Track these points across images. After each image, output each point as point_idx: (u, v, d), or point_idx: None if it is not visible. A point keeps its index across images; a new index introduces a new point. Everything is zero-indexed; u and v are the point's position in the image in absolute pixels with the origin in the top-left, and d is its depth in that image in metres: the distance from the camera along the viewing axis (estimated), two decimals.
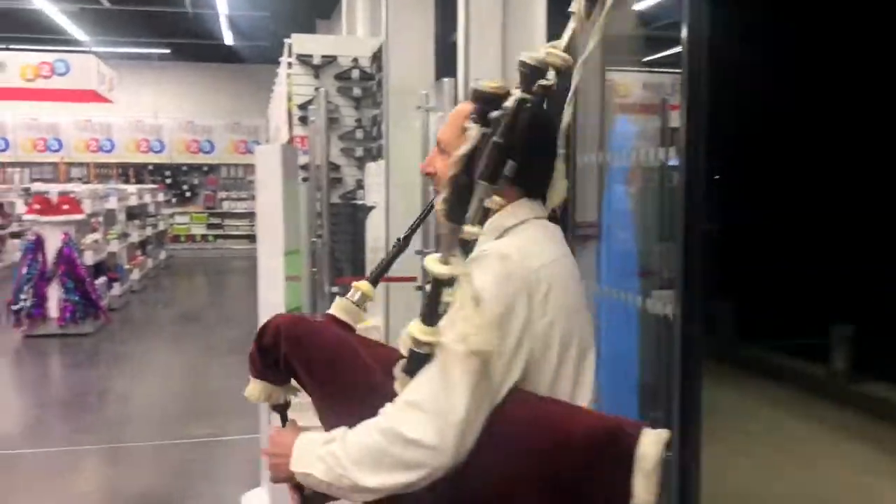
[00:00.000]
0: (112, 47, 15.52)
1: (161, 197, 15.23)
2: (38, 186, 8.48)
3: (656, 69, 4.39)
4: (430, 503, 1.26)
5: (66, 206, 8.13)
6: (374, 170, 7.26)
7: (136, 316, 9.99)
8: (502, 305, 1.25)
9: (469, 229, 1.24)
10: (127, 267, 10.94)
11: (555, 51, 1.30)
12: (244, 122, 17.79)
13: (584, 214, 3.26)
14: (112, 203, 10.12)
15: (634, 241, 3.08)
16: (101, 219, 9.48)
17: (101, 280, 9.07)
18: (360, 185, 8.47)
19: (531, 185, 1.42)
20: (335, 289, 5.29)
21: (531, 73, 1.29)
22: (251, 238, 17.76)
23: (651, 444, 1.18)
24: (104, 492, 4.39)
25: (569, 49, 1.31)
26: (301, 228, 4.75)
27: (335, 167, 8.39)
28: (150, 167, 17.60)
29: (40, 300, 8.11)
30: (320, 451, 1.29)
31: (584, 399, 1.33)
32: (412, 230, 1.56)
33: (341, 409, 1.39)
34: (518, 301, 1.26)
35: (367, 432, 1.25)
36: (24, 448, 5.01)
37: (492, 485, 1.22)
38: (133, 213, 12.36)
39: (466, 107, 1.44)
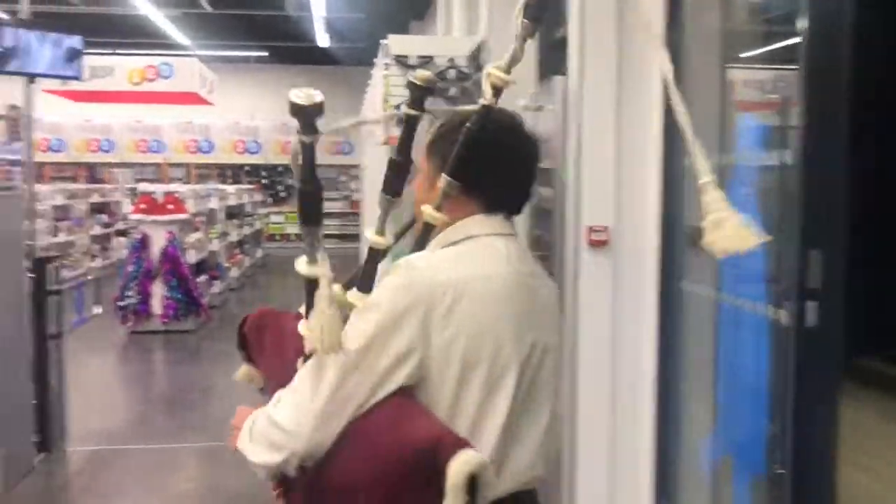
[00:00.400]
0: (212, 51, 15.97)
1: (257, 197, 15.58)
2: (144, 187, 8.75)
3: (772, 66, 4.16)
4: (301, 487, 1.31)
5: (170, 206, 8.35)
6: None
7: (236, 313, 10.21)
8: (390, 314, 1.26)
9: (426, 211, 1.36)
10: (226, 265, 11.20)
11: (496, 72, 1.33)
12: (336, 123, 17.99)
13: (698, 219, 3.14)
14: (213, 203, 10.38)
15: (762, 247, 2.91)
16: (203, 218, 9.73)
17: (203, 278, 9.31)
18: None
19: (488, 201, 1.41)
20: None
21: (495, 92, 1.34)
22: (343, 237, 17.98)
23: (460, 463, 1.15)
24: (206, 489, 4.46)
25: (509, 69, 1.34)
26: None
27: None
28: (247, 168, 18.04)
29: (145, 297, 8.36)
30: (245, 427, 1.38)
31: (492, 425, 1.30)
32: (396, 238, 1.52)
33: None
34: (412, 312, 1.26)
35: (262, 412, 1.34)
36: (131, 444, 5.14)
37: (338, 482, 1.26)
38: (232, 213, 12.66)
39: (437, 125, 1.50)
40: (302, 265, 1.33)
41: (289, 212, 18.39)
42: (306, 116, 1.29)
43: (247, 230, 13.85)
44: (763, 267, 2.72)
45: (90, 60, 10.90)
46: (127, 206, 10.01)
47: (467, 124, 1.35)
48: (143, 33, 13.68)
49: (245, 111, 17.85)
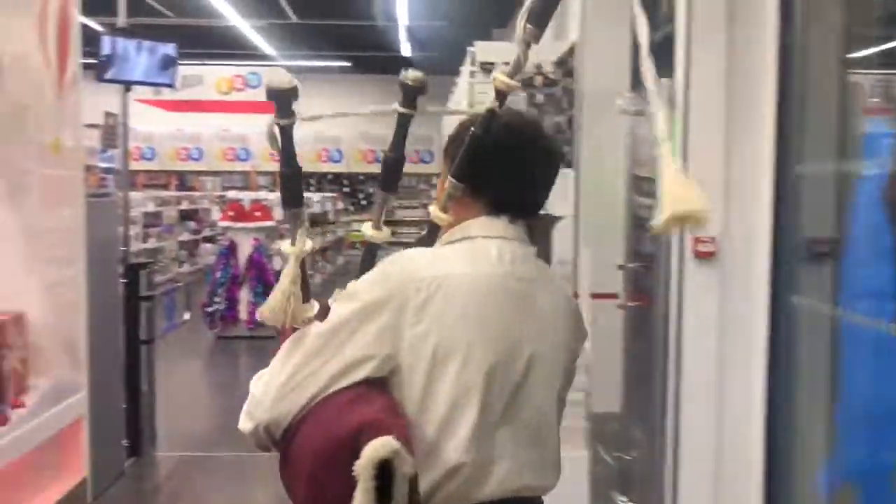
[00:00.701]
0: (296, 61, 16.20)
1: (339, 205, 15.72)
2: (232, 194, 8.90)
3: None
4: (280, 458, 1.34)
5: (257, 214, 8.45)
6: (560, 178, 6.97)
7: None
8: (364, 304, 1.29)
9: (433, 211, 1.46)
10: (310, 272, 11.24)
11: (502, 77, 1.42)
12: (417, 132, 18.01)
13: (814, 230, 2.91)
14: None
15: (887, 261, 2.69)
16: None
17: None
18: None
19: (492, 203, 1.41)
20: None
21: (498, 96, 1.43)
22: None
23: (372, 448, 1.14)
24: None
25: (513, 75, 1.41)
26: None
27: None
28: (329, 176, 18.24)
29: (232, 303, 8.47)
30: None
31: (465, 423, 1.29)
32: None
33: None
34: (385, 304, 1.29)
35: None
36: (218, 450, 5.15)
37: (293, 456, 1.29)
38: (315, 221, 12.78)
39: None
40: (287, 246, 1.41)
41: (369, 220, 18.44)
42: (282, 100, 1.37)
43: (330, 238, 13.97)
44: (888, 281, 2.50)
45: (181, 70, 11.18)
46: (215, 214, 10.18)
47: (472, 128, 1.40)
48: (231, 44, 13.96)
49: (328, 121, 17.99)
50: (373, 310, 1.29)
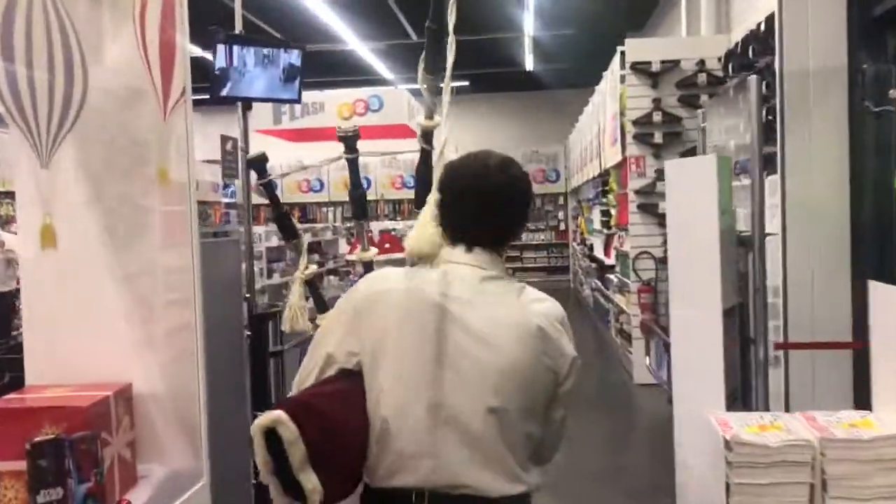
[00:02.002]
0: (414, 84, 15.64)
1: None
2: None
3: None
4: None
5: (387, 245, 7.70)
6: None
7: None
8: (336, 312, 1.71)
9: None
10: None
11: (420, 120, 2.06)
12: (542, 150, 17.17)
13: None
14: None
15: None
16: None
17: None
18: None
19: (449, 235, 1.70)
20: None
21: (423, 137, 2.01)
22: (548, 270, 17.09)
23: (260, 417, 1.48)
24: None
25: (431, 116, 2.01)
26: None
27: None
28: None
29: None
30: None
31: (387, 404, 1.57)
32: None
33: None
34: (347, 312, 1.67)
35: None
36: None
37: None
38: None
39: None
40: (359, 252, 2.08)
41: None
42: (350, 140, 2.39)
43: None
44: None
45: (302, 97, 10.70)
46: (342, 246, 9.50)
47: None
48: (347, 70, 13.49)
49: (448, 144, 17.35)
50: (340, 316, 1.68)
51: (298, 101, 3.95)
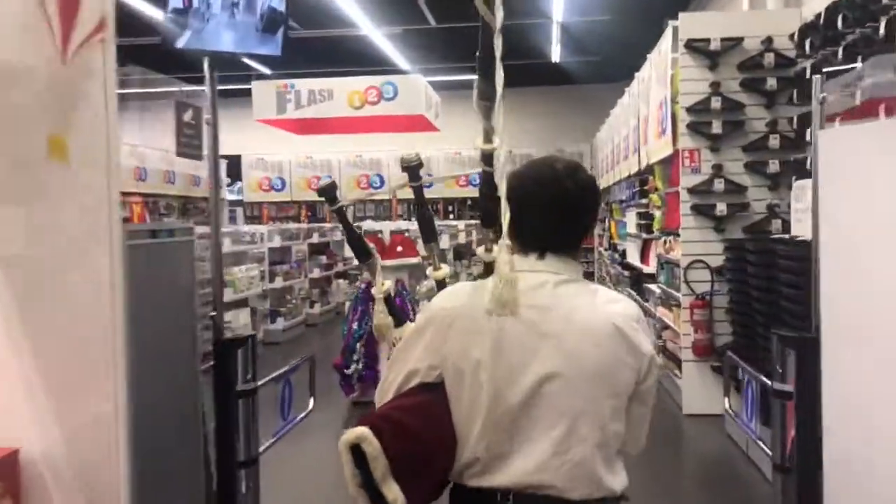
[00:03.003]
0: (431, 76, 14.65)
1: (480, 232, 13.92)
2: (369, 224, 7.21)
3: None
4: None
5: (399, 248, 6.73)
6: (802, 190, 5.06)
7: None
8: (415, 329, 1.72)
9: (479, 252, 1.97)
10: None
11: (478, 143, 1.85)
12: (567, 150, 16.12)
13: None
14: (443, 242, 8.74)
15: None
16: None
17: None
18: (773, 212, 6.15)
19: (520, 243, 1.69)
20: None
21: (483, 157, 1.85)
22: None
23: (346, 433, 1.53)
24: None
25: (489, 140, 1.82)
26: None
27: (735, 187, 6.17)
28: (469, 202, 16.51)
29: (371, 361, 6.77)
30: None
31: (475, 426, 1.60)
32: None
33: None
34: (425, 329, 1.69)
35: None
36: None
37: None
38: (459, 252, 11.07)
39: None
40: (430, 271, 2.20)
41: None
42: (413, 170, 2.39)
43: (475, 270, 12.22)
44: None
45: (308, 84, 9.74)
46: (349, 249, 8.51)
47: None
48: (362, 58, 12.52)
49: (466, 141, 16.37)
50: (419, 333, 1.70)
51: (278, 56, 2.95)
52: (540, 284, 1.63)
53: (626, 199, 10.18)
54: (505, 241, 1.54)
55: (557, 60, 13.96)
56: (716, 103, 6.10)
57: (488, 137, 1.78)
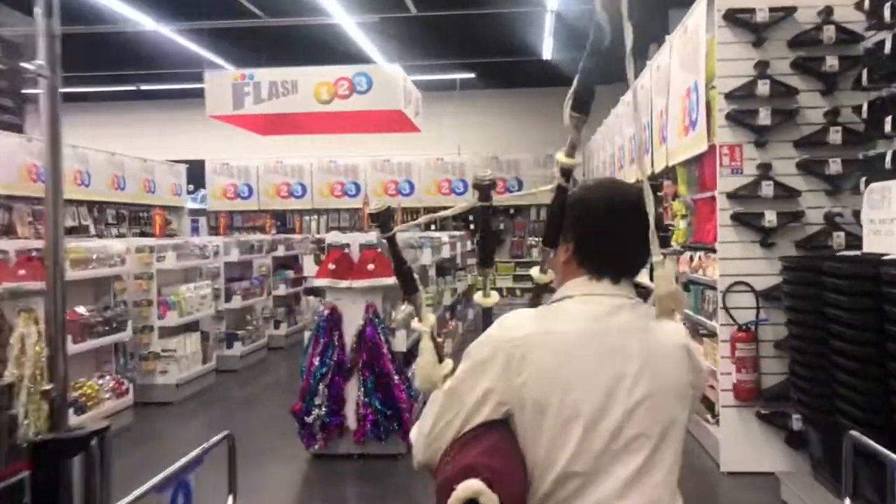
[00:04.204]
0: (411, 75, 13.47)
1: (468, 246, 12.71)
2: (333, 236, 5.94)
3: None
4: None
5: (371, 266, 5.48)
6: (882, 195, 3.92)
7: None
8: (474, 363, 1.54)
9: (533, 273, 1.79)
10: (440, 339, 8.25)
11: (563, 158, 1.67)
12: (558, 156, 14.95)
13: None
14: (425, 257, 7.51)
15: None
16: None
17: (415, 368, 6.33)
18: (833, 223, 4.97)
19: (592, 268, 1.59)
20: None
21: (562, 173, 1.67)
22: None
23: (460, 489, 1.40)
24: None
25: (572, 154, 1.68)
26: None
27: (786, 192, 4.99)
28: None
29: (337, 404, 5.52)
30: None
31: (561, 458, 1.48)
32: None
33: None
34: (489, 362, 1.51)
35: None
36: None
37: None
38: (442, 268, 9.84)
39: None
40: (480, 298, 1.85)
41: (499, 261, 15.38)
42: (485, 190, 1.88)
43: (460, 286, 11.00)
44: None
45: (268, 75, 8.50)
46: (308, 266, 7.07)
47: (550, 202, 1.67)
48: (333, 52, 11.24)
49: (450, 145, 15.19)
50: (481, 366, 1.52)
51: None
52: (619, 307, 1.58)
53: None
54: (659, 254, 1.54)
55: (549, 57, 12.80)
56: (762, 88, 4.92)
57: (572, 151, 1.67)
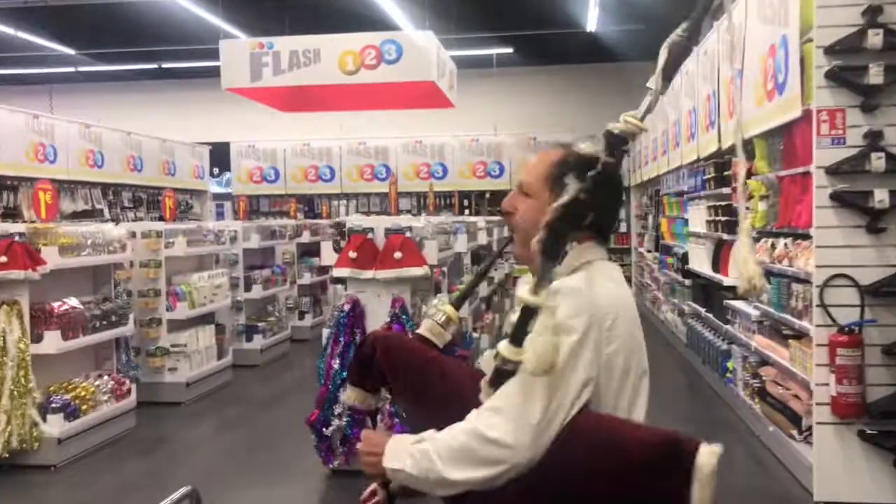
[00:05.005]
0: (447, 50, 12.63)
1: (505, 231, 11.89)
2: (354, 219, 5.18)
3: None
4: (505, 499, 1.43)
5: (397, 255, 4.71)
6: None
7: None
8: (577, 337, 1.46)
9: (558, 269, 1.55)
10: (475, 335, 7.52)
11: (633, 120, 1.49)
12: (600, 136, 14.06)
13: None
14: (460, 244, 6.74)
15: None
16: (445, 269, 6.05)
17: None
18: None
19: (602, 231, 1.65)
20: None
21: (615, 140, 1.49)
22: None
23: (708, 455, 1.33)
24: None
25: (643, 118, 1.51)
26: None
27: None
28: (488, 194, 14.47)
29: (359, 414, 4.77)
30: (411, 448, 1.51)
31: (637, 418, 1.53)
32: (490, 263, 2.33)
33: (429, 414, 1.67)
34: (589, 334, 1.47)
35: (455, 433, 1.47)
36: None
37: (560, 488, 1.41)
38: (477, 256, 9.06)
39: (551, 155, 1.67)
40: (525, 293, 1.43)
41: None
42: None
43: (497, 275, 10.21)
44: None
45: (289, 43, 7.76)
46: (327, 255, 6.28)
47: (590, 172, 1.47)
48: (353, 16, 10.42)
49: (486, 125, 14.37)
50: (584, 340, 1.46)
51: None
52: (620, 272, 1.66)
53: (690, 190, 8.11)
54: (745, 233, 1.59)
55: (594, 30, 11.89)
56: (874, 39, 4.05)
57: (643, 115, 1.50)
